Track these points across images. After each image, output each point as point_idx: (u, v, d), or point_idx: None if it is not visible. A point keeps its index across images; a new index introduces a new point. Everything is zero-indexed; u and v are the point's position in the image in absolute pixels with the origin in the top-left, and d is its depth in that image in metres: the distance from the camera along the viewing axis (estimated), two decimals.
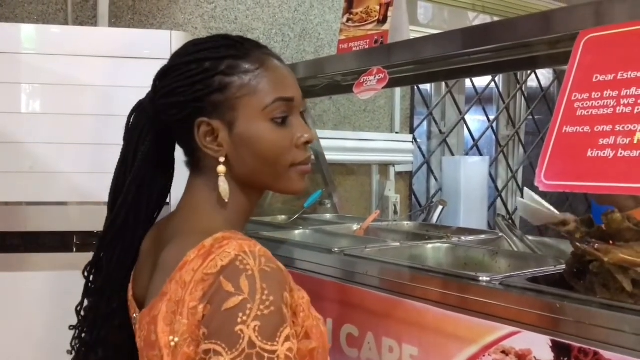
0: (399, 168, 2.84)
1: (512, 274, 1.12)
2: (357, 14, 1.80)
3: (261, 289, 0.71)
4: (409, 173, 2.94)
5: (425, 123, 3.31)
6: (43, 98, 1.50)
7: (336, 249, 1.43)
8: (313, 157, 2.47)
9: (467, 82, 3.37)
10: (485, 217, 3.17)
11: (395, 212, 2.72)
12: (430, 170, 3.22)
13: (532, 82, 3.70)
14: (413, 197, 3.04)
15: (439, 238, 1.67)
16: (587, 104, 1.00)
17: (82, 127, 1.45)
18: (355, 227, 1.95)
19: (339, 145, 2.57)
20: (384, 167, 2.78)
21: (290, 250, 1.54)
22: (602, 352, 0.88)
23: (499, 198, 3.58)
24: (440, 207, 2.78)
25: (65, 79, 1.49)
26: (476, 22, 3.33)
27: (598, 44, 1.05)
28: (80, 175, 1.49)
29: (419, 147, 3.07)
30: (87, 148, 1.46)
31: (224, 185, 0.84)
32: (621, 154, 0.92)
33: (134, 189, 0.91)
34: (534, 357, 0.97)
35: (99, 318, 0.94)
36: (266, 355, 0.68)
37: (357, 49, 1.77)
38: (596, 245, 0.93)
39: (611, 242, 0.99)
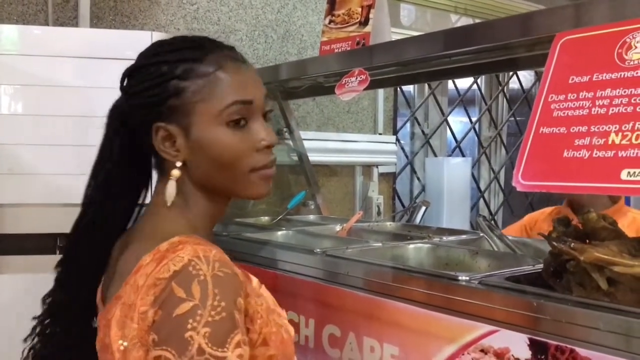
0: (382, 169, 2.86)
1: (491, 273, 1.14)
2: (339, 15, 1.81)
3: (213, 295, 0.71)
4: (392, 174, 2.95)
5: (408, 124, 3.34)
6: (23, 99, 1.49)
7: (318, 250, 1.43)
8: (297, 157, 2.48)
9: (450, 83, 3.40)
10: (467, 218, 3.19)
11: (379, 213, 2.73)
12: (413, 171, 3.24)
13: (513, 83, 3.74)
14: (396, 197, 3.06)
15: (421, 238, 1.68)
16: (563, 105, 1.02)
17: (62, 128, 1.45)
18: (338, 228, 1.95)
19: (322, 146, 2.58)
20: (367, 168, 2.79)
21: (273, 251, 1.54)
22: (577, 349, 0.89)
23: (481, 199, 3.60)
24: (423, 208, 2.80)
25: (46, 79, 1.48)
26: (458, 24, 3.36)
27: (574, 46, 1.07)
28: (60, 177, 1.48)
29: (402, 148, 3.09)
30: (67, 149, 1.45)
31: (170, 189, 0.84)
32: (596, 154, 0.94)
33: (103, 188, 0.89)
34: (512, 356, 0.98)
35: (60, 312, 0.93)
36: None
37: (339, 50, 1.78)
38: (572, 245, 0.95)
39: (587, 241, 1.01)
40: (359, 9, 1.75)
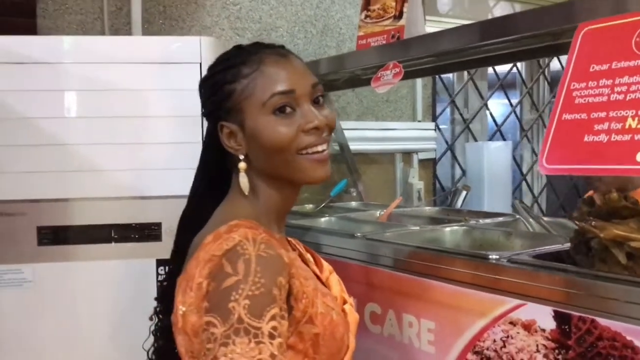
0: (421, 155, 2.92)
1: (520, 252, 1.21)
2: (374, 10, 1.88)
3: (254, 272, 0.79)
4: (432, 160, 3.01)
5: (448, 110, 3.38)
6: (86, 103, 1.63)
7: (359, 234, 1.53)
8: (338, 147, 2.58)
9: (489, 68, 3.42)
10: (509, 201, 3.22)
11: (419, 198, 2.80)
12: (454, 157, 3.28)
13: (555, 64, 3.72)
14: (437, 183, 3.12)
15: (458, 221, 1.75)
16: (584, 92, 1.08)
17: (121, 128, 1.58)
18: (378, 213, 2.04)
19: (362, 135, 2.67)
20: (407, 155, 2.86)
21: (317, 236, 1.64)
22: (598, 319, 0.97)
23: (524, 182, 3.62)
24: (464, 192, 2.86)
25: (106, 85, 1.62)
26: (496, 9, 3.37)
27: (595, 35, 1.12)
28: (118, 173, 1.62)
29: (442, 134, 3.14)
30: (125, 148, 1.59)
31: (243, 179, 0.93)
32: (614, 138, 1.00)
33: (201, 183, 1.01)
34: (538, 327, 1.06)
35: (165, 295, 1.01)
36: (252, 330, 0.76)
37: (375, 44, 1.86)
38: (593, 223, 1.02)
39: (612, 220, 1.07)
40: (393, 3, 1.83)
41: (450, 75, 3.44)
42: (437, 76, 3.07)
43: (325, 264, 1.06)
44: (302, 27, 2.50)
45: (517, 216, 1.78)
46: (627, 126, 0.99)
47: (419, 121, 2.90)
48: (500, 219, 1.81)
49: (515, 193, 3.70)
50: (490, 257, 1.18)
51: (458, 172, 3.35)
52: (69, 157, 1.58)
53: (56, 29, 1.96)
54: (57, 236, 1.54)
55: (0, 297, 1.50)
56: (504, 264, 1.15)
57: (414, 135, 2.85)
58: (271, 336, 0.76)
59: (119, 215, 1.56)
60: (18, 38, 1.60)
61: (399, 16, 1.80)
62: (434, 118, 3.01)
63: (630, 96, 1.01)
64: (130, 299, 1.58)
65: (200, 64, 1.53)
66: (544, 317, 1.05)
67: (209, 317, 0.79)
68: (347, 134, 2.56)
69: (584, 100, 1.07)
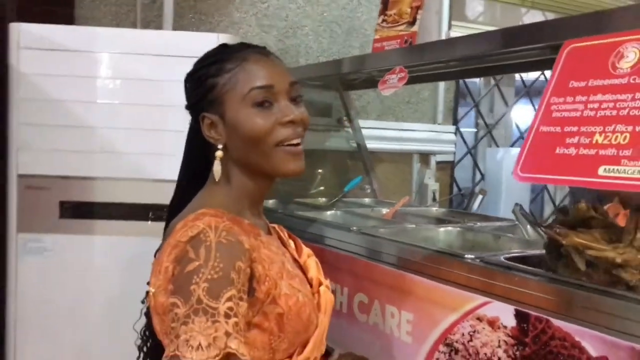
0: (440, 158, 2.98)
1: (495, 253, 1.28)
2: (390, 15, 1.96)
3: (214, 257, 0.86)
4: (451, 163, 3.06)
5: (472, 115, 3.42)
6: (113, 90, 1.77)
7: (354, 228, 1.62)
8: (355, 145, 2.66)
9: (517, 75, 3.44)
10: (527, 208, 3.24)
11: (434, 199, 2.87)
12: (474, 161, 3.33)
13: None
14: (455, 185, 3.17)
15: (457, 223, 1.82)
16: (561, 107, 1.14)
17: (143, 115, 1.71)
18: (384, 211, 2.12)
19: (381, 134, 2.75)
20: (425, 156, 2.92)
21: (318, 228, 1.74)
22: (552, 320, 1.03)
23: (545, 190, 3.63)
24: (480, 196, 2.91)
25: (132, 74, 1.75)
26: (527, 17, 3.39)
27: (578, 53, 1.18)
28: (142, 156, 1.75)
29: (463, 138, 3.19)
30: (146, 133, 1.72)
31: (217, 167, 1.00)
32: (582, 152, 1.06)
33: (186, 173, 1.09)
34: (501, 324, 1.13)
35: None
36: (210, 310, 0.83)
37: (389, 47, 1.94)
38: (557, 230, 1.08)
39: (578, 228, 1.14)
40: (409, 10, 1.90)
41: (477, 80, 3.48)
42: (460, 81, 3.12)
43: (305, 249, 1.14)
44: (327, 26, 2.59)
45: (516, 222, 1.84)
46: (594, 141, 1.05)
47: (439, 124, 2.95)
48: (499, 223, 1.86)
49: (536, 201, 3.72)
50: (466, 256, 1.25)
51: (479, 176, 3.39)
52: (93, 139, 1.72)
53: (92, 19, 2.11)
54: (78, 211, 1.68)
55: (24, 263, 1.65)
56: (477, 263, 1.22)
57: (433, 137, 2.91)
58: (227, 316, 0.83)
59: (136, 195, 1.69)
60: (55, 27, 1.74)
61: (412, 22, 1.87)
62: (455, 122, 3.06)
63: (600, 113, 1.07)
64: (143, 275, 1.71)
65: None
66: (506, 314, 1.12)
67: (173, 299, 0.85)
68: (365, 132, 2.64)
69: (560, 114, 1.14)
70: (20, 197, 1.65)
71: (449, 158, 3.04)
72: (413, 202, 2.90)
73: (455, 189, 3.19)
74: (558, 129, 1.13)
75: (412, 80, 2.18)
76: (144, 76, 1.77)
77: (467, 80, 3.34)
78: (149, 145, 1.77)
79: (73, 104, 1.74)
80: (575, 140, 1.08)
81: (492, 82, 3.33)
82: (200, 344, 0.81)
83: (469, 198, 3.06)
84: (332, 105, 2.62)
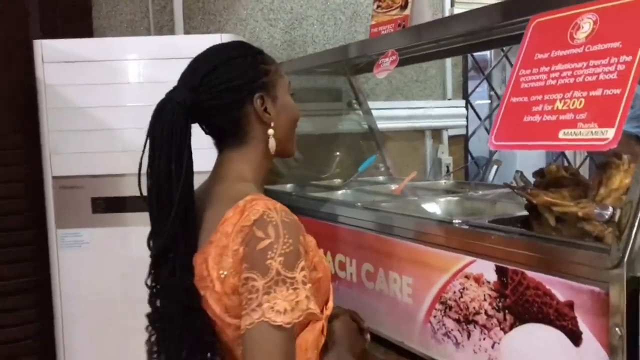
0: (452, 132, 3.06)
1: (481, 217, 1.39)
2: (384, 0, 2.06)
3: (283, 234, 0.98)
4: (464, 136, 3.15)
5: (486, 87, 3.48)
6: (134, 94, 1.93)
7: (358, 204, 1.74)
8: (367, 126, 2.78)
9: None
10: None
11: (448, 172, 2.96)
12: (488, 133, 3.39)
13: None
14: (470, 158, 3.25)
15: (459, 193, 1.93)
16: (528, 78, 1.24)
17: None
18: (393, 187, 2.24)
19: (392, 114, 2.85)
20: (437, 132, 3.01)
21: (328, 207, 1.87)
22: (526, 272, 1.14)
23: (562, 155, 3.67)
24: (495, 167, 3.00)
25: (147, 78, 1.91)
26: None
27: (543, 27, 1.27)
28: None
29: (475, 111, 3.26)
30: None
31: (272, 144, 1.12)
32: (545, 118, 1.16)
33: (187, 167, 1.06)
34: (485, 280, 1.24)
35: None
36: (288, 280, 0.96)
37: (385, 32, 2.04)
38: (529, 190, 1.19)
39: (550, 188, 1.24)
40: None
41: (487, 52, 3.54)
42: (469, 55, 3.19)
43: None
44: (331, 14, 2.69)
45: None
46: (555, 108, 1.15)
47: (449, 99, 3.04)
48: (501, 190, 1.96)
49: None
50: (454, 221, 1.37)
51: None
52: (117, 140, 1.89)
53: (109, 28, 2.27)
54: (108, 205, 1.85)
55: (64, 256, 1.84)
56: (463, 227, 1.33)
57: (444, 113, 3.00)
58: (304, 283, 0.97)
59: None
60: (74, 41, 1.91)
61: (404, 6, 1.97)
62: (465, 96, 3.14)
63: (560, 82, 1.17)
64: None
65: None
66: (488, 271, 1.23)
67: (248, 274, 0.96)
68: (376, 113, 2.74)
69: (527, 85, 1.24)
70: (56, 196, 1.83)
71: (462, 132, 3.12)
72: (428, 176, 3.01)
73: (470, 161, 3.27)
74: (525, 99, 1.23)
75: (414, 60, 2.29)
76: (159, 79, 1.90)
77: (477, 54, 3.41)
78: None
79: (97, 109, 1.91)
80: (539, 108, 1.18)
81: (502, 53, 3.38)
82: (285, 308, 0.94)
83: (484, 169, 3.14)
84: (341, 90, 2.74)
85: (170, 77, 1.92)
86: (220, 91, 1.09)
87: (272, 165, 1.21)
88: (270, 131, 1.11)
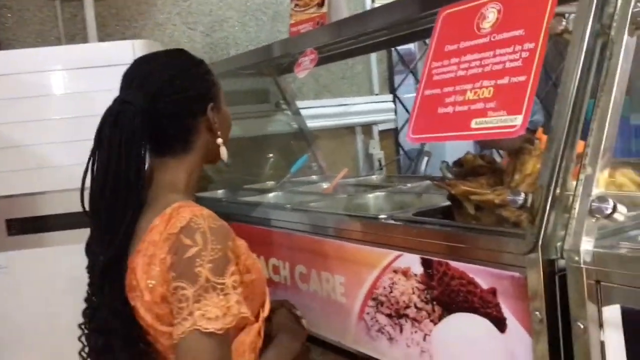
0: (382, 127, 3.09)
1: (406, 210, 1.40)
2: None
3: (211, 241, 0.98)
4: (393, 130, 3.18)
5: (412, 81, 3.53)
6: (46, 107, 1.84)
7: (288, 206, 1.72)
8: (296, 126, 2.77)
9: None
10: None
11: (380, 167, 2.98)
12: None
13: None
14: (401, 151, 3.29)
15: (388, 188, 1.94)
16: (439, 70, 1.25)
17: (72, 128, 1.78)
18: (326, 185, 2.23)
19: (320, 112, 2.84)
20: (367, 127, 3.03)
21: (259, 211, 1.84)
22: (450, 262, 1.15)
23: None
24: (425, 158, 3.04)
25: (60, 89, 1.82)
26: None
27: (451, 18, 1.29)
28: (76, 167, 1.82)
29: (403, 105, 3.30)
30: (78, 145, 1.79)
31: (224, 152, 1.17)
32: (457, 109, 1.17)
33: (139, 173, 1.07)
34: (412, 273, 1.25)
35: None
36: (218, 286, 0.96)
37: (304, 30, 2.03)
38: (447, 181, 1.20)
39: (468, 177, 1.26)
40: None
41: (412, 46, 3.58)
42: (393, 49, 3.22)
43: None
44: (252, 15, 2.66)
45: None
46: (466, 98, 1.16)
47: (377, 94, 3.06)
48: (427, 182, 1.98)
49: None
50: (379, 217, 1.37)
51: None
52: (30, 157, 1.79)
53: (17, 40, 2.16)
54: (26, 226, 1.75)
55: None
56: (388, 222, 1.33)
57: (372, 108, 3.02)
58: (234, 287, 0.97)
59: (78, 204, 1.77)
60: None
61: (321, 4, 1.96)
62: (392, 90, 3.17)
63: (470, 72, 1.18)
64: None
65: None
66: (415, 264, 1.24)
67: (177, 283, 0.97)
68: (305, 112, 2.73)
69: (440, 77, 1.25)
70: None
71: (392, 126, 3.15)
72: (361, 172, 3.02)
73: (402, 155, 3.31)
74: (438, 91, 1.24)
75: (338, 57, 2.29)
76: (72, 89, 1.84)
77: (402, 48, 3.45)
78: (85, 155, 1.84)
79: (7, 126, 1.81)
80: (452, 99, 1.19)
81: (425, 46, 3.43)
82: (217, 315, 0.94)
83: (415, 161, 3.18)
84: (268, 91, 2.71)
85: (83, 86, 1.86)
86: (179, 100, 1.11)
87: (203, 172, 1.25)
88: (220, 140, 1.15)
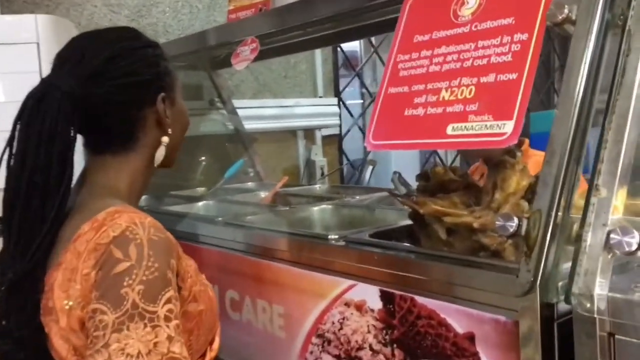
0: (325, 132, 2.88)
1: (360, 230, 1.18)
2: None
3: (148, 256, 0.77)
4: (337, 136, 2.98)
5: (357, 84, 3.35)
6: None
7: (219, 219, 1.47)
8: (232, 127, 2.51)
9: None
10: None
11: (322, 175, 2.77)
12: (362, 132, 3.26)
13: None
14: (345, 159, 3.09)
15: (335, 199, 1.72)
16: (407, 64, 1.05)
17: None
18: (263, 194, 1.99)
19: (259, 113, 2.60)
20: (310, 131, 2.81)
21: (185, 223, 1.58)
22: (416, 297, 0.94)
23: (435, 154, 3.64)
24: (370, 167, 2.83)
25: None
26: None
27: (421, 4, 1.09)
28: None
29: (348, 110, 3.10)
30: None
31: (161, 152, 0.93)
32: (429, 111, 0.97)
33: (67, 192, 0.88)
34: (368, 307, 1.03)
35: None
36: (147, 315, 0.75)
37: (245, 17, 1.79)
38: (414, 198, 0.99)
39: (438, 194, 1.05)
40: None
41: (357, 49, 3.40)
42: (339, 50, 3.02)
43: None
44: (186, 1, 2.39)
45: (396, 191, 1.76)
46: (440, 98, 0.96)
47: (320, 97, 2.85)
48: (379, 194, 1.78)
49: (429, 165, 3.72)
50: (329, 237, 1.15)
51: None
52: None
53: None
54: None
55: None
56: (339, 244, 1.11)
57: (316, 111, 2.81)
58: (167, 319, 0.76)
59: None
60: None
61: None
62: (337, 93, 2.97)
63: (445, 67, 0.98)
64: None
65: (38, 44, 1.41)
66: (372, 297, 1.02)
67: (96, 305, 0.76)
68: (242, 113, 2.49)
69: (407, 72, 1.04)
70: None
71: (335, 131, 2.95)
72: (302, 180, 2.79)
73: (345, 162, 3.12)
74: (406, 88, 1.03)
75: (280, 50, 2.05)
76: None
77: (348, 49, 3.26)
78: None
79: None
80: (422, 99, 0.99)
81: (372, 49, 3.26)
82: (139, 352, 0.74)
83: (359, 170, 2.99)
84: (202, 87, 2.45)
85: None
86: (122, 85, 0.90)
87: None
88: (165, 139, 0.94)
